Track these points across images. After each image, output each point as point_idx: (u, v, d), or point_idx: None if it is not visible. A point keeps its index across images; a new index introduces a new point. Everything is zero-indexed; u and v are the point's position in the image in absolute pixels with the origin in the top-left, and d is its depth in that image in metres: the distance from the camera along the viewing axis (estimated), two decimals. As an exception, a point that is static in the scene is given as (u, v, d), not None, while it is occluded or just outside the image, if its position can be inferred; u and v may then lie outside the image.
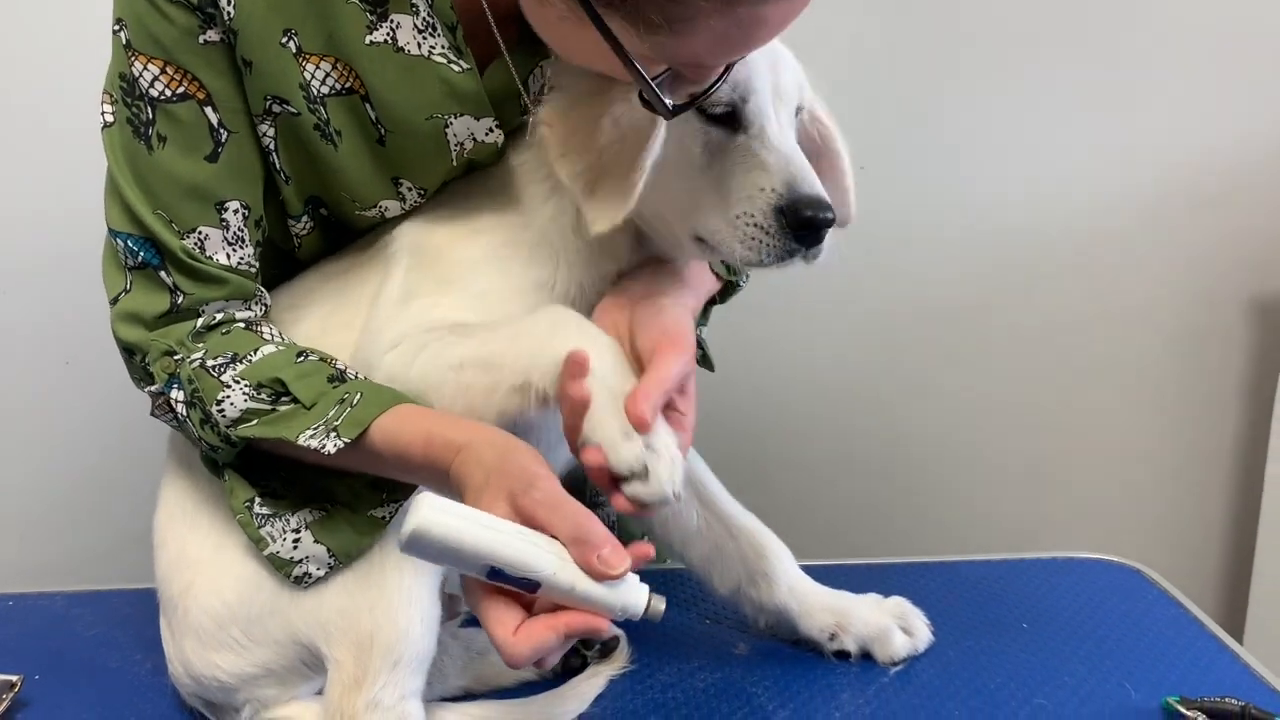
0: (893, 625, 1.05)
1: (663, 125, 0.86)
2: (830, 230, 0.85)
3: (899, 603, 1.08)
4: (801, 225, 0.84)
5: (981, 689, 1.00)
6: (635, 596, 0.74)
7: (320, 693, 0.93)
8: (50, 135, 1.60)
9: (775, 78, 0.89)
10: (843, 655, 1.05)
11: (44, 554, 1.77)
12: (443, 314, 0.91)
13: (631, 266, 0.98)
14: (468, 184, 0.99)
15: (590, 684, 1.00)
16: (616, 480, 0.77)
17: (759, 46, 0.80)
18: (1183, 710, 0.93)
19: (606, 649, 1.05)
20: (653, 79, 0.77)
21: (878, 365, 1.85)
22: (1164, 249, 1.81)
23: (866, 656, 1.05)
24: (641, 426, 0.76)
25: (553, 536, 0.73)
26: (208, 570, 0.94)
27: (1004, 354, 1.85)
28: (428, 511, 0.70)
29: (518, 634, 0.71)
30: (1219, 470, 1.92)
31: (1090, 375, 1.86)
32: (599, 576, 0.71)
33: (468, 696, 1.01)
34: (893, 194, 1.75)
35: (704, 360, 1.08)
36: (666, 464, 0.76)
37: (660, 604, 0.75)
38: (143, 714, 1.02)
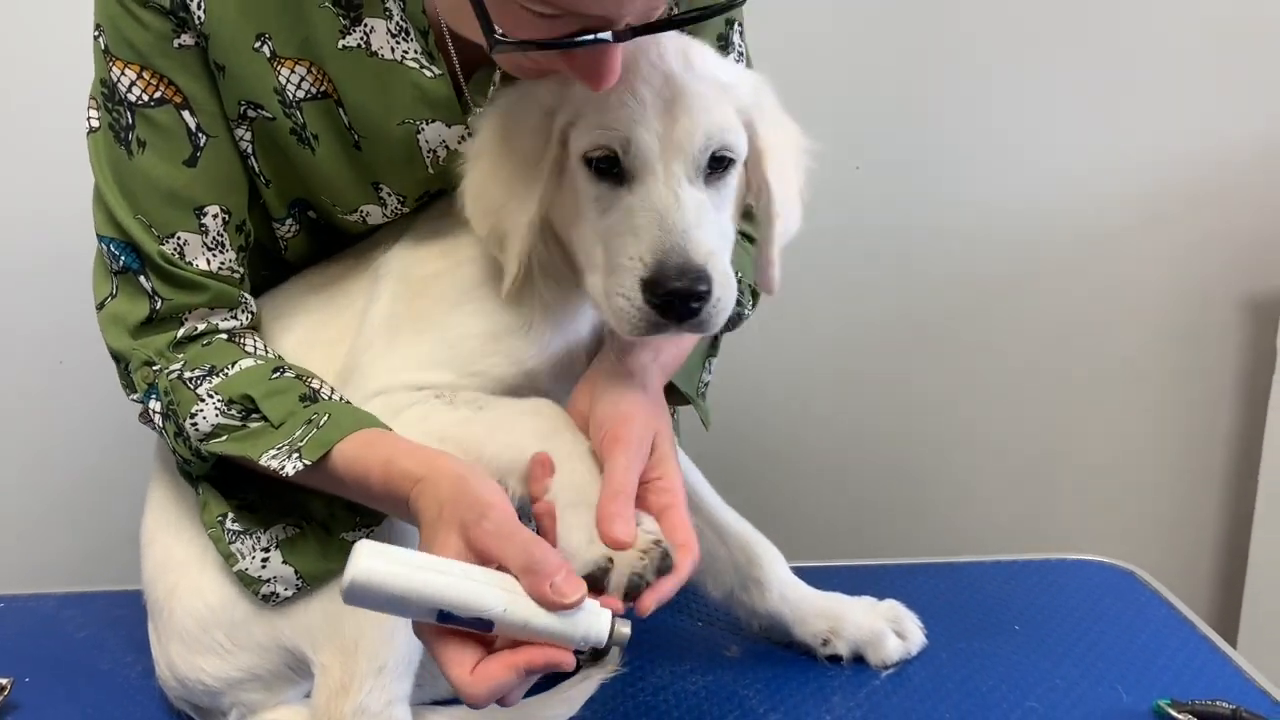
0: (886, 629, 1.05)
1: (540, 185, 0.84)
2: (713, 299, 0.79)
3: (892, 606, 1.08)
4: (667, 299, 0.78)
5: (973, 691, 1.00)
6: (597, 624, 0.70)
7: (308, 696, 0.93)
8: (44, 136, 1.59)
9: (669, 124, 0.81)
10: (835, 659, 1.05)
11: (36, 555, 1.77)
12: (422, 371, 0.91)
13: None
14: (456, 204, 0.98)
15: (581, 687, 1.00)
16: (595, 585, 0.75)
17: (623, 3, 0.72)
18: (1174, 713, 0.93)
19: (599, 653, 1.04)
20: (524, 39, 0.74)
21: (871, 366, 1.84)
22: (1158, 249, 1.81)
23: (859, 659, 1.05)
24: (621, 547, 0.75)
25: (503, 568, 0.70)
26: (191, 574, 0.94)
27: (998, 355, 1.85)
28: (366, 560, 0.67)
29: (475, 674, 0.69)
30: (1213, 472, 1.92)
31: (1084, 376, 1.86)
32: (552, 606, 0.69)
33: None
34: (889, 194, 1.75)
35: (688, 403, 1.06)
36: (627, 559, 0.75)
37: (625, 629, 0.72)
38: (133, 717, 1.02)
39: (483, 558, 0.71)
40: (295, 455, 0.84)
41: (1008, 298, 1.82)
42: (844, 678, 1.03)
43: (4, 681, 1.02)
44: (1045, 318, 1.83)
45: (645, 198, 0.81)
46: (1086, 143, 1.76)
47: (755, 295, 1.09)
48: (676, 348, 0.98)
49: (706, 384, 1.09)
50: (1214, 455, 1.91)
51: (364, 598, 0.68)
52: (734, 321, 1.09)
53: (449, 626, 0.69)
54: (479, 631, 0.69)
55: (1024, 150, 1.76)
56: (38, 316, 1.68)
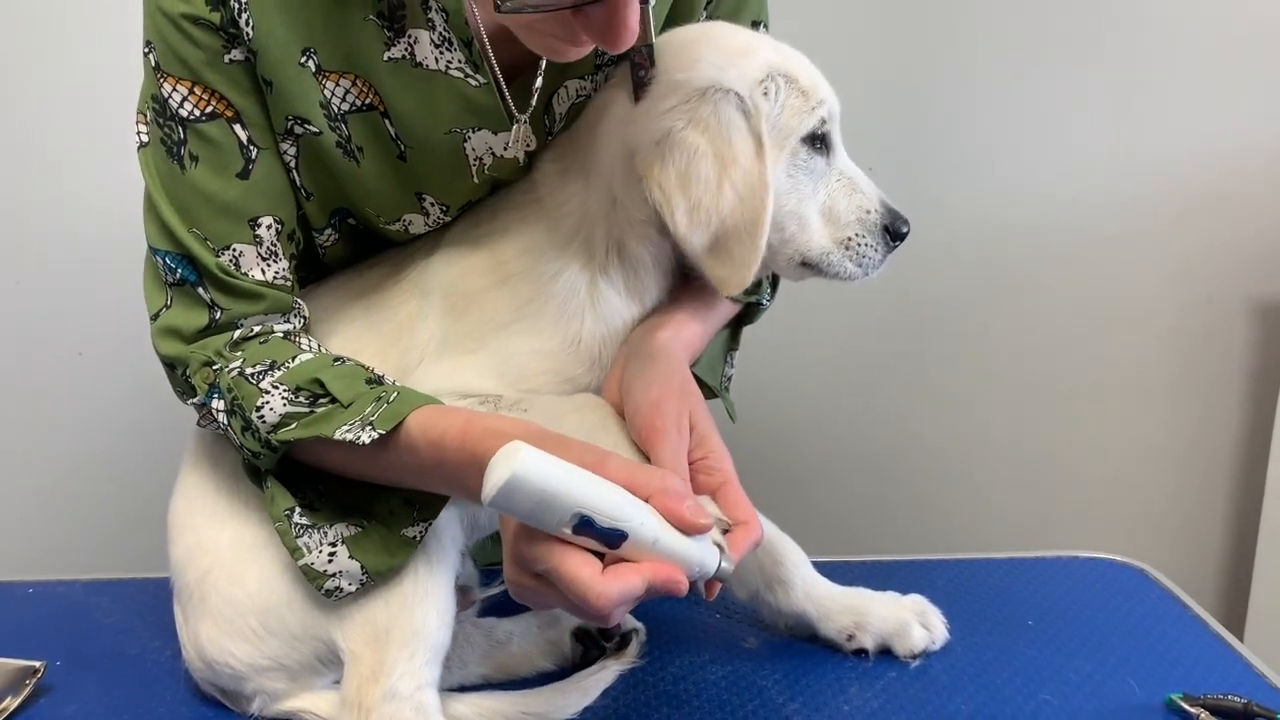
0: (911, 619, 1.06)
1: (773, 183, 0.90)
2: None
3: (917, 600, 1.09)
4: (896, 239, 0.97)
5: (988, 684, 1.01)
6: (710, 555, 0.73)
7: (338, 682, 0.94)
8: (64, 126, 1.60)
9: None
10: (861, 652, 1.06)
11: (65, 543, 1.78)
12: (473, 380, 0.93)
13: (655, 306, 0.99)
14: (494, 214, 0.99)
15: (598, 677, 1.01)
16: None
17: None
18: (1186, 707, 0.94)
19: (624, 641, 1.06)
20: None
21: (885, 366, 1.86)
22: (1166, 250, 1.82)
23: (884, 652, 1.06)
24: (703, 528, 0.73)
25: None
26: (226, 558, 0.95)
27: (1009, 354, 1.86)
28: (527, 455, 0.65)
29: (605, 573, 0.68)
30: (1221, 471, 1.93)
31: (1094, 376, 1.88)
32: (689, 527, 0.70)
33: (487, 684, 1.02)
34: (894, 194, 1.74)
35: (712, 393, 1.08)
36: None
37: (729, 564, 0.74)
38: (162, 700, 1.03)
39: None
40: (369, 427, 0.84)
41: (1020, 297, 1.83)
42: (862, 669, 1.04)
43: (38, 665, 1.03)
44: (1057, 319, 1.84)
45: (845, 163, 0.98)
46: (1096, 145, 1.77)
47: (775, 286, 1.10)
48: (700, 324, 1.01)
49: (729, 377, 1.11)
50: (1222, 455, 1.92)
51: (516, 494, 0.65)
52: (754, 312, 1.11)
53: (572, 539, 0.68)
54: (606, 545, 0.69)
55: (1033, 153, 1.77)
56: (57, 308, 1.70)
